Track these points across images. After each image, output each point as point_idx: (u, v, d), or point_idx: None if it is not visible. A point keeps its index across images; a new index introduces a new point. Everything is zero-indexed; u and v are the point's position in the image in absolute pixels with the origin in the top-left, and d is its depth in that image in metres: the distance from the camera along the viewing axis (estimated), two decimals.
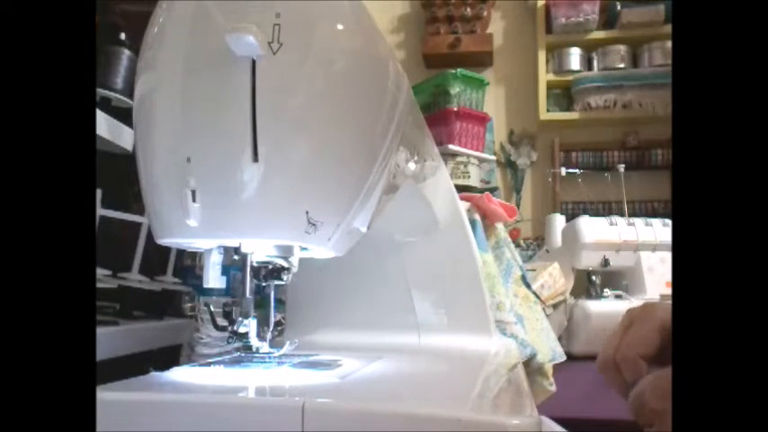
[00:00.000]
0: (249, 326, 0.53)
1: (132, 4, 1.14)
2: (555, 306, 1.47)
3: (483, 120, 1.24)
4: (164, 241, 0.50)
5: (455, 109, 1.20)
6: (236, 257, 0.52)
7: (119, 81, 1.03)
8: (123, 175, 1.03)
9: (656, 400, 0.34)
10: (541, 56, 2.28)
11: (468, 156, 1.19)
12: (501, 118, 2.38)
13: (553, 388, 0.93)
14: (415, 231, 0.79)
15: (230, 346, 0.59)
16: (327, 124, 0.48)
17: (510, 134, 2.37)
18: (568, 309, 1.54)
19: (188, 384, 0.51)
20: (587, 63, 2.28)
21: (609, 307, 1.38)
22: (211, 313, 0.65)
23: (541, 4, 2.30)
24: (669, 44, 2.16)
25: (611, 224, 1.51)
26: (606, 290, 1.46)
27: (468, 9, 2.29)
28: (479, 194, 0.98)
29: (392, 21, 2.48)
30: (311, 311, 0.82)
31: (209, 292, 0.86)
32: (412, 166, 0.63)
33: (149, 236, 0.89)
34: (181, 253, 1.11)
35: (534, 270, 1.32)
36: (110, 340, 0.87)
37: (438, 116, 1.20)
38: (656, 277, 1.45)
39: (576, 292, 1.50)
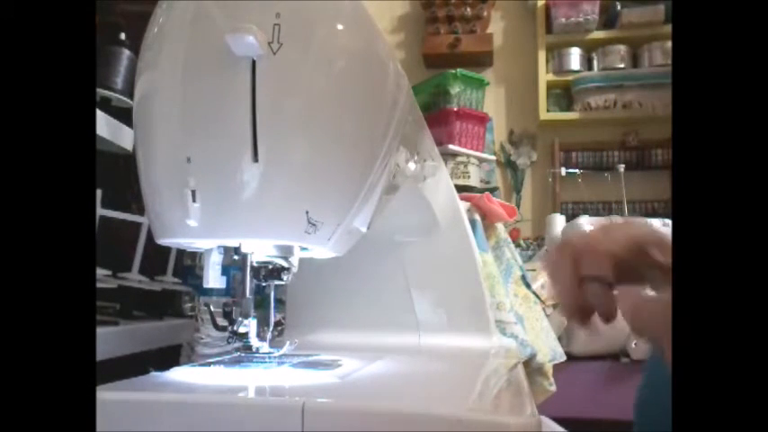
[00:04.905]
0: (249, 326, 0.53)
1: (132, 4, 1.14)
2: (555, 306, 1.46)
3: (483, 120, 1.24)
4: (164, 241, 0.50)
5: (455, 109, 1.20)
6: (236, 257, 0.52)
7: (119, 81, 1.03)
8: (123, 175, 1.03)
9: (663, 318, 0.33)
10: (541, 56, 2.28)
11: (468, 156, 1.19)
12: (501, 118, 2.38)
13: (553, 388, 0.93)
14: (415, 231, 0.79)
15: (230, 346, 0.59)
16: (327, 124, 0.48)
17: (510, 134, 2.37)
18: None
19: (188, 384, 0.51)
20: (587, 63, 2.28)
21: None
22: (211, 313, 0.65)
23: (541, 4, 2.31)
24: (669, 44, 2.16)
25: None
26: None
27: (468, 9, 2.30)
28: (479, 194, 0.98)
29: (392, 21, 2.48)
30: (311, 311, 0.82)
31: (209, 292, 0.86)
32: (412, 166, 0.63)
33: (149, 236, 0.89)
34: (181, 253, 1.11)
35: (534, 270, 1.32)
36: (110, 340, 0.87)
37: (438, 116, 1.20)
38: None
39: None
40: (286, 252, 0.53)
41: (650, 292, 0.38)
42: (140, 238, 1.03)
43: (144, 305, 1.09)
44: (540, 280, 1.30)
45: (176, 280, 1.12)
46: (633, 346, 1.48)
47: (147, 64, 0.49)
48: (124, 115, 1.01)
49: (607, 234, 0.38)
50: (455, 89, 1.21)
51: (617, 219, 0.40)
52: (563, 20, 2.24)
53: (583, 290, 0.38)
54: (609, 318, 0.38)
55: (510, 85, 2.40)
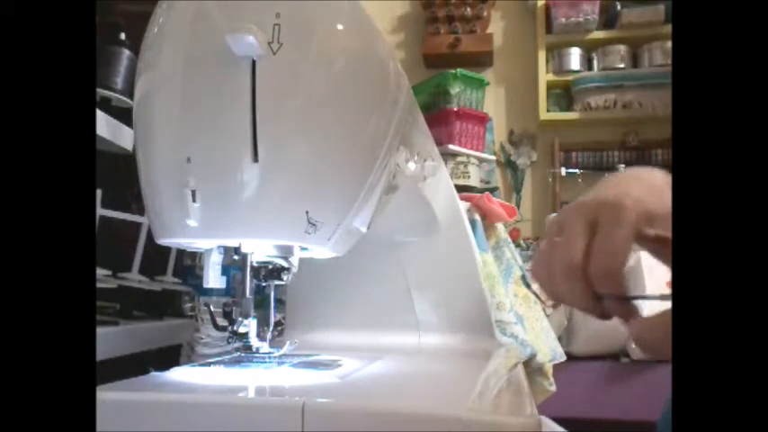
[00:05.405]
0: (249, 326, 0.53)
1: (132, 4, 1.14)
2: (555, 306, 1.46)
3: (483, 120, 1.24)
4: (164, 241, 0.50)
5: (455, 109, 1.20)
6: (236, 257, 0.52)
7: (119, 81, 1.03)
8: (123, 175, 1.03)
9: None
10: (541, 56, 2.28)
11: (468, 156, 1.19)
12: (501, 118, 2.38)
13: (553, 388, 0.93)
14: (415, 231, 0.79)
15: (230, 346, 0.59)
16: (327, 124, 0.48)
17: (510, 134, 2.37)
18: (568, 309, 1.53)
19: (188, 384, 0.51)
20: (587, 63, 2.28)
21: None
22: (211, 313, 0.65)
23: (541, 4, 2.31)
24: (669, 44, 2.16)
25: None
26: None
27: (468, 9, 2.30)
28: (479, 194, 0.98)
29: (392, 21, 2.48)
30: (311, 311, 0.82)
31: (209, 292, 0.86)
32: (412, 166, 0.63)
33: (149, 236, 0.89)
34: (181, 253, 1.11)
35: None
36: (110, 340, 0.87)
37: (438, 116, 1.20)
38: (656, 277, 1.45)
39: None
40: (286, 252, 0.53)
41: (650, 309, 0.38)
42: (140, 238, 1.03)
43: (144, 305, 1.09)
44: None
45: (176, 280, 1.12)
46: (633, 346, 1.48)
47: (147, 64, 0.49)
48: (124, 115, 1.01)
49: (608, 246, 0.37)
50: (455, 89, 1.21)
51: (590, 209, 0.38)
52: (563, 20, 2.24)
53: (601, 303, 0.38)
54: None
55: (510, 85, 2.40)
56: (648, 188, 0.38)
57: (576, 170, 2.23)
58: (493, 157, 1.50)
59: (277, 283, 0.55)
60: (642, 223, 0.37)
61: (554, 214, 1.88)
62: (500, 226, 1.01)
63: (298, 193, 0.47)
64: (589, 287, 0.37)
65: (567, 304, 0.41)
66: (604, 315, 0.39)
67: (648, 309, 0.38)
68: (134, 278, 1.03)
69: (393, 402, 0.44)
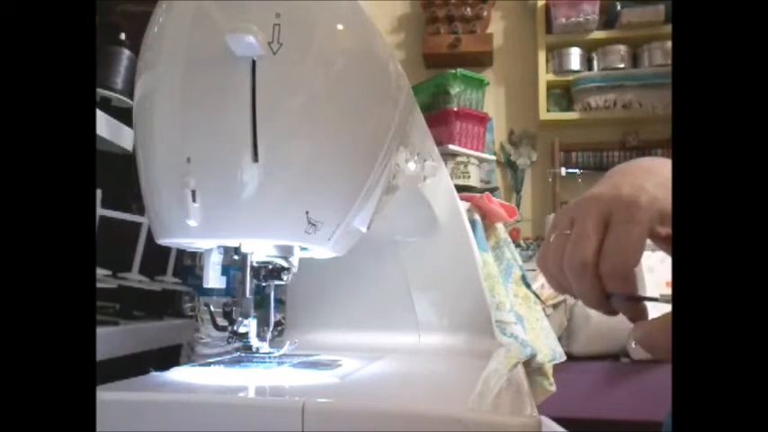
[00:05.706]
0: (249, 326, 0.53)
1: (132, 4, 1.14)
2: (555, 306, 1.47)
3: (483, 120, 1.24)
4: (164, 241, 0.50)
5: (455, 109, 1.20)
6: (236, 257, 0.52)
7: (119, 81, 1.03)
8: (123, 175, 1.03)
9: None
10: (541, 56, 2.28)
11: (468, 156, 1.19)
12: (501, 118, 2.38)
13: (553, 388, 0.93)
14: (415, 231, 0.78)
15: (230, 346, 0.59)
16: (327, 124, 0.48)
17: (510, 134, 2.37)
18: (568, 309, 1.54)
19: (188, 384, 0.51)
20: (587, 63, 2.29)
21: None
22: (211, 313, 0.65)
23: (541, 4, 2.31)
24: (669, 44, 2.16)
25: None
26: None
27: (468, 9, 2.30)
28: (479, 194, 0.98)
29: (392, 21, 2.48)
30: (311, 311, 0.82)
31: (209, 292, 0.86)
32: (412, 166, 0.63)
33: (149, 236, 0.89)
34: (181, 253, 1.11)
35: (534, 270, 1.32)
36: (110, 340, 0.87)
37: (438, 116, 1.20)
38: (656, 277, 1.45)
39: None
40: (286, 252, 0.53)
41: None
42: (140, 238, 1.03)
43: (144, 305, 1.09)
44: (540, 280, 1.30)
45: (176, 280, 1.12)
46: (633, 346, 1.48)
47: (147, 64, 0.49)
48: (124, 115, 1.01)
49: (621, 245, 0.37)
50: (455, 89, 1.21)
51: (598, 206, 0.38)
52: (563, 20, 2.24)
53: (609, 301, 0.38)
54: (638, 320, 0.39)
55: (510, 85, 2.40)
56: (662, 184, 0.38)
57: (576, 170, 2.23)
58: (493, 157, 1.50)
59: (277, 283, 0.55)
60: (656, 222, 0.37)
61: (554, 214, 1.89)
62: (500, 226, 1.01)
63: (298, 193, 0.47)
64: (599, 284, 0.37)
65: (574, 298, 0.41)
66: (612, 312, 0.39)
67: (654, 309, 0.38)
68: (134, 278, 1.03)
69: (393, 402, 0.44)
